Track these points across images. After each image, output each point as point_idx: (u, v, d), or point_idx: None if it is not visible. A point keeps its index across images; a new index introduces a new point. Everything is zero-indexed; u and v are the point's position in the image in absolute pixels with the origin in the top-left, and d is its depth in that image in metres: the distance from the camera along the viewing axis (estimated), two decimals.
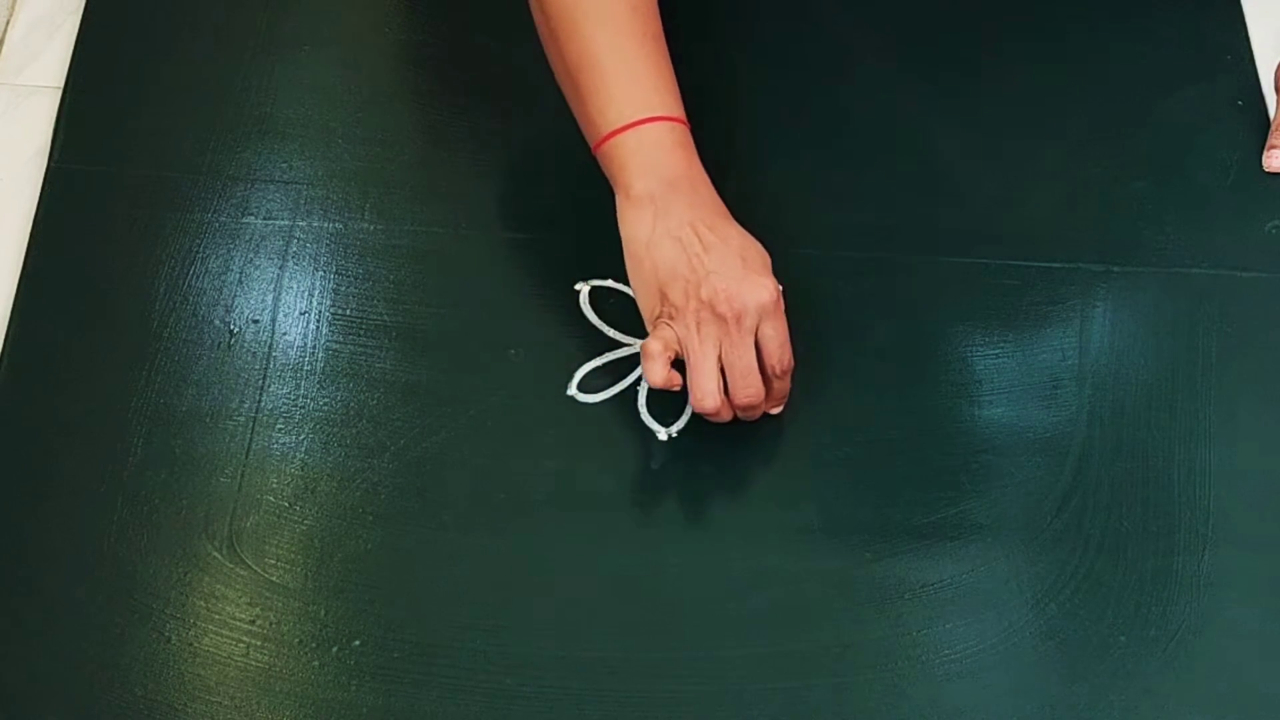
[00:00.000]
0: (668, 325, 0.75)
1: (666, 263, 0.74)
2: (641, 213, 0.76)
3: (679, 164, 0.77)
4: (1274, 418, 0.81)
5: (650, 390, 0.80)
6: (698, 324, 0.74)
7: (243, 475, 0.77)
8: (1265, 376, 0.82)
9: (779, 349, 0.75)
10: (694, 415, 0.79)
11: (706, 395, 0.74)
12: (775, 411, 0.79)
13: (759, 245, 0.76)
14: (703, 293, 0.73)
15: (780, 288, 0.75)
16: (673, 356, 0.75)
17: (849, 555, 0.76)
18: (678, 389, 0.75)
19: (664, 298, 0.75)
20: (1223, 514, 0.78)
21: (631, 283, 0.77)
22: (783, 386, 0.77)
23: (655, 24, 0.80)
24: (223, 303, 0.82)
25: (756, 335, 0.74)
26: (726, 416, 0.76)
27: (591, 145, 0.78)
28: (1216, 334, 0.83)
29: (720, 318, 0.73)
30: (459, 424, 0.79)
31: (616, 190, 0.77)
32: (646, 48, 0.78)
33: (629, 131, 0.76)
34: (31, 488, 0.76)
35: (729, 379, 0.75)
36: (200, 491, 0.76)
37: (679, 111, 0.78)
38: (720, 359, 0.74)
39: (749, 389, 0.74)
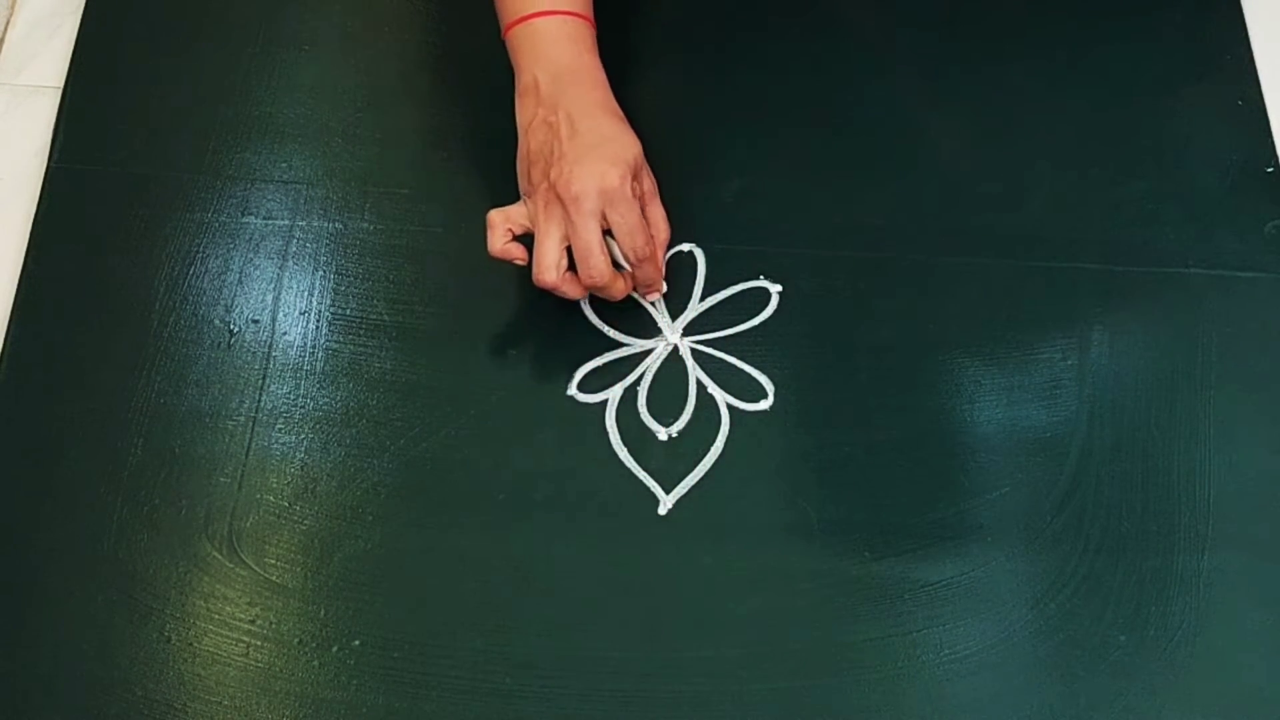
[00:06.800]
0: (525, 203, 0.79)
1: (536, 145, 0.78)
2: (526, 100, 0.80)
3: (567, 56, 0.80)
4: (1274, 418, 0.81)
5: (650, 390, 0.80)
6: (545, 204, 0.77)
7: (243, 475, 0.77)
8: (1265, 376, 0.82)
9: (627, 235, 0.77)
10: (694, 416, 0.79)
11: (544, 270, 0.77)
12: (652, 298, 0.82)
13: (629, 139, 0.79)
14: (551, 174, 0.77)
15: (629, 177, 0.77)
16: (517, 231, 0.78)
17: (849, 555, 0.76)
18: (519, 263, 0.78)
19: (529, 178, 0.78)
20: (1223, 514, 0.77)
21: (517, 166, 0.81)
22: (645, 273, 0.80)
23: None
24: (223, 303, 0.82)
25: (607, 220, 0.77)
26: (575, 294, 0.79)
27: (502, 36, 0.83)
28: (1216, 334, 0.83)
29: (561, 199, 0.76)
30: (459, 424, 0.79)
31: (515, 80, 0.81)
32: None
33: (525, 24, 0.81)
34: (31, 488, 0.76)
35: (574, 258, 0.77)
36: (200, 491, 0.76)
37: (579, 7, 0.82)
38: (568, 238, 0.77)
39: (589, 270, 0.77)
